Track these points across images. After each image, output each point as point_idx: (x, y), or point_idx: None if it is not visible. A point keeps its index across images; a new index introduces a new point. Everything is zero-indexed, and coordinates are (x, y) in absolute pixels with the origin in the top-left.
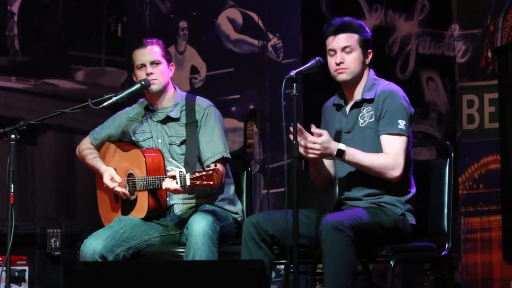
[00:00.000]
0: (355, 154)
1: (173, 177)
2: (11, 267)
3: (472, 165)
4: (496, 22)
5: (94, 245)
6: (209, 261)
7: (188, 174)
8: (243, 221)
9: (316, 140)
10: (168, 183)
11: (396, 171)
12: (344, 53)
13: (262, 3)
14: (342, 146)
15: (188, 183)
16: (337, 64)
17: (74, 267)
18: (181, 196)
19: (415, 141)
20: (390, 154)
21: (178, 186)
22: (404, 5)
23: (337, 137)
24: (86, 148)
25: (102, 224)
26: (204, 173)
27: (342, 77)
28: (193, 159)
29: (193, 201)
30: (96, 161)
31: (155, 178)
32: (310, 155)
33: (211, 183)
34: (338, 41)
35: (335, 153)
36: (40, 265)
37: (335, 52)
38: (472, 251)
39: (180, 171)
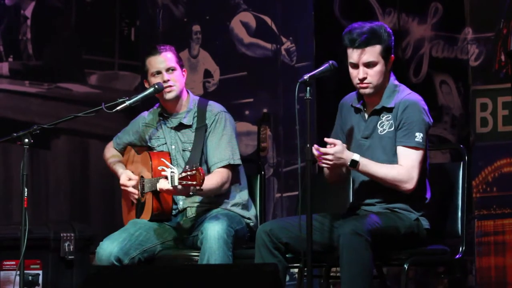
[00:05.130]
0: (368, 165)
1: (167, 178)
2: (25, 271)
3: (486, 168)
4: (509, 25)
5: (110, 248)
6: (224, 264)
7: (177, 174)
8: (256, 227)
9: (328, 151)
10: (161, 184)
11: (409, 184)
12: (367, 68)
13: (276, 7)
14: (356, 156)
15: (176, 183)
16: (360, 80)
17: (88, 271)
18: (193, 199)
19: (429, 144)
20: (404, 167)
21: (169, 187)
22: (417, 9)
23: (354, 140)
24: (110, 155)
25: (116, 227)
26: (189, 172)
27: (365, 91)
28: (195, 164)
29: (207, 205)
30: (115, 166)
31: (156, 179)
32: (323, 165)
33: (194, 183)
34: (360, 57)
35: (348, 163)
36: (54, 269)
37: (358, 66)
38: (486, 254)
39: (171, 171)
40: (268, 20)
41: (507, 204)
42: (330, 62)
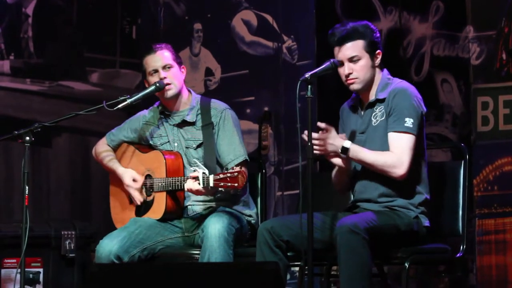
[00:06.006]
0: (359, 151)
1: (196, 178)
2: (26, 269)
3: (487, 167)
4: (511, 24)
5: (110, 246)
6: (224, 263)
7: (212, 175)
8: (257, 224)
9: (320, 137)
10: (190, 184)
11: (400, 169)
12: (352, 63)
13: (277, 5)
14: (347, 143)
15: (211, 184)
16: (346, 75)
17: (89, 269)
18: (196, 197)
19: (430, 143)
20: (394, 152)
21: (200, 187)
22: (418, 7)
23: (352, 138)
24: (103, 150)
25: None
26: (229, 174)
27: (354, 87)
28: (212, 162)
29: (209, 203)
30: (113, 163)
31: (175, 179)
32: (315, 152)
33: (236, 184)
34: (343, 52)
35: (339, 150)
36: (55, 267)
37: (343, 63)
38: (487, 253)
39: (203, 172)
40: (269, 18)
41: (508, 203)
42: (332, 60)
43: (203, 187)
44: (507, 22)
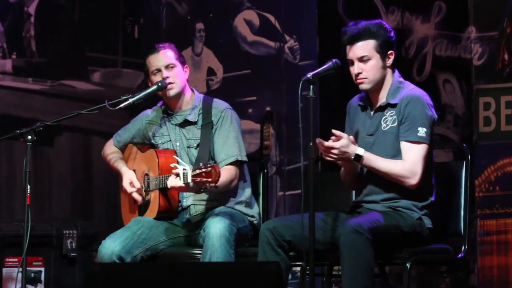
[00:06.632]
0: (372, 160)
1: (177, 175)
2: (27, 268)
3: (489, 167)
4: None
5: (112, 246)
6: (226, 262)
7: (190, 171)
8: (260, 225)
9: (334, 145)
10: (172, 181)
11: (413, 180)
12: (362, 63)
13: (279, 5)
14: (360, 151)
15: (189, 180)
16: (356, 75)
17: (91, 268)
18: (198, 197)
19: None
20: (407, 162)
21: (182, 184)
22: (420, 7)
23: (359, 139)
24: (110, 151)
25: (119, 225)
26: (204, 169)
27: (363, 87)
28: (204, 160)
29: (210, 202)
30: (117, 163)
31: (164, 177)
32: (328, 159)
33: (210, 179)
34: (354, 51)
35: (353, 157)
36: (56, 266)
37: (354, 62)
38: (488, 254)
39: (183, 169)
40: (271, 18)
41: (510, 203)
42: (334, 60)
43: (185, 184)
44: (509, 23)
